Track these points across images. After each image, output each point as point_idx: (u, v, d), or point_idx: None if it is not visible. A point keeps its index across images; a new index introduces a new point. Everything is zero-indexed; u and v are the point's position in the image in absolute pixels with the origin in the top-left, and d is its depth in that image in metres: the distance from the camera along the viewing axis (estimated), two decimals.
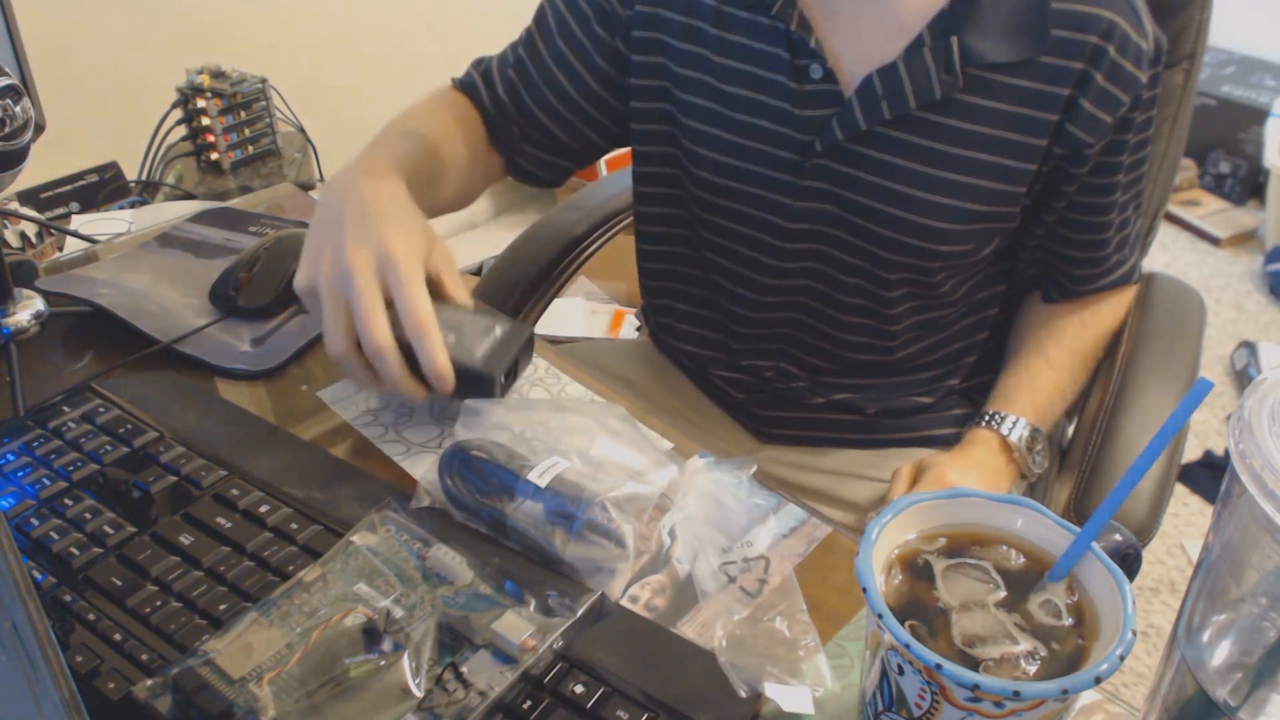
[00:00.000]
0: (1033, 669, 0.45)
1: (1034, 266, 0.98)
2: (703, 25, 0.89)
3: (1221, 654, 0.47)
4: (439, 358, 0.66)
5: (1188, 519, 2.00)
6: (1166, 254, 2.80)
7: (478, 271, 1.43)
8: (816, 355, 0.99)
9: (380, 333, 0.66)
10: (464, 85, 1.00)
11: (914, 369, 1.01)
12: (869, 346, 0.97)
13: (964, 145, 0.84)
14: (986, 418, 0.93)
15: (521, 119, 0.98)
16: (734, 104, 0.89)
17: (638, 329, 1.19)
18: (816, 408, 1.02)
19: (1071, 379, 0.96)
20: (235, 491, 0.66)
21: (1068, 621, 0.47)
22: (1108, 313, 0.99)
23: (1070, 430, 1.09)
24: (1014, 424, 0.91)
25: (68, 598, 0.59)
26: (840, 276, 0.93)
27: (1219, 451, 2.12)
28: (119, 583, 0.59)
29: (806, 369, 1.00)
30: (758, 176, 0.90)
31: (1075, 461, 0.92)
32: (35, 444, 0.70)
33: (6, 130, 0.73)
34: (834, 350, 0.98)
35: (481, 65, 1.00)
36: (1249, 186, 2.98)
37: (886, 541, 0.50)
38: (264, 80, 1.90)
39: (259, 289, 0.88)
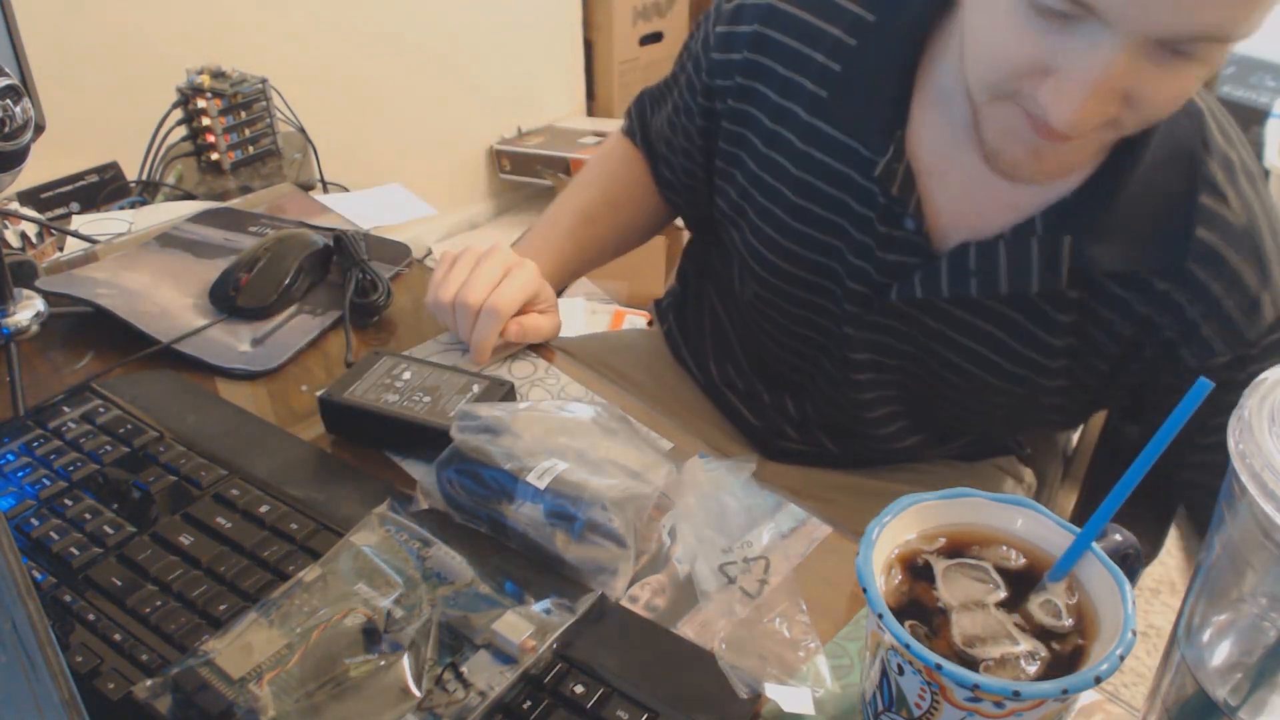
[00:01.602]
0: (1033, 669, 0.45)
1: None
2: (789, 136, 0.82)
3: (1221, 654, 0.47)
4: (484, 339, 0.80)
5: None
6: None
7: None
8: (842, 431, 0.97)
9: (475, 295, 0.80)
10: (626, 132, 1.04)
11: (951, 446, 0.99)
12: (902, 434, 0.95)
13: (1056, 333, 0.76)
14: None
15: (663, 160, 1.00)
16: (806, 219, 0.83)
17: (649, 323, 1.19)
18: (833, 456, 1.00)
19: None
20: (235, 491, 0.66)
21: (1068, 621, 0.47)
22: None
23: (1075, 439, 1.09)
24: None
25: (68, 598, 0.59)
26: (886, 393, 0.89)
27: None
28: (119, 583, 0.59)
29: (828, 425, 0.98)
30: (821, 290, 0.85)
31: (1079, 470, 0.92)
32: (35, 444, 0.70)
33: (6, 130, 0.73)
34: (862, 431, 0.95)
35: (638, 103, 1.04)
36: None
37: (886, 541, 0.50)
38: (264, 80, 1.90)
39: (259, 289, 0.88)
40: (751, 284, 0.92)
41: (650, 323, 1.18)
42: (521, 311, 0.83)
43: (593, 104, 3.02)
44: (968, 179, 0.76)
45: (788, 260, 0.86)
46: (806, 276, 0.86)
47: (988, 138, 0.71)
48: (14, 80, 0.74)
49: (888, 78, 0.77)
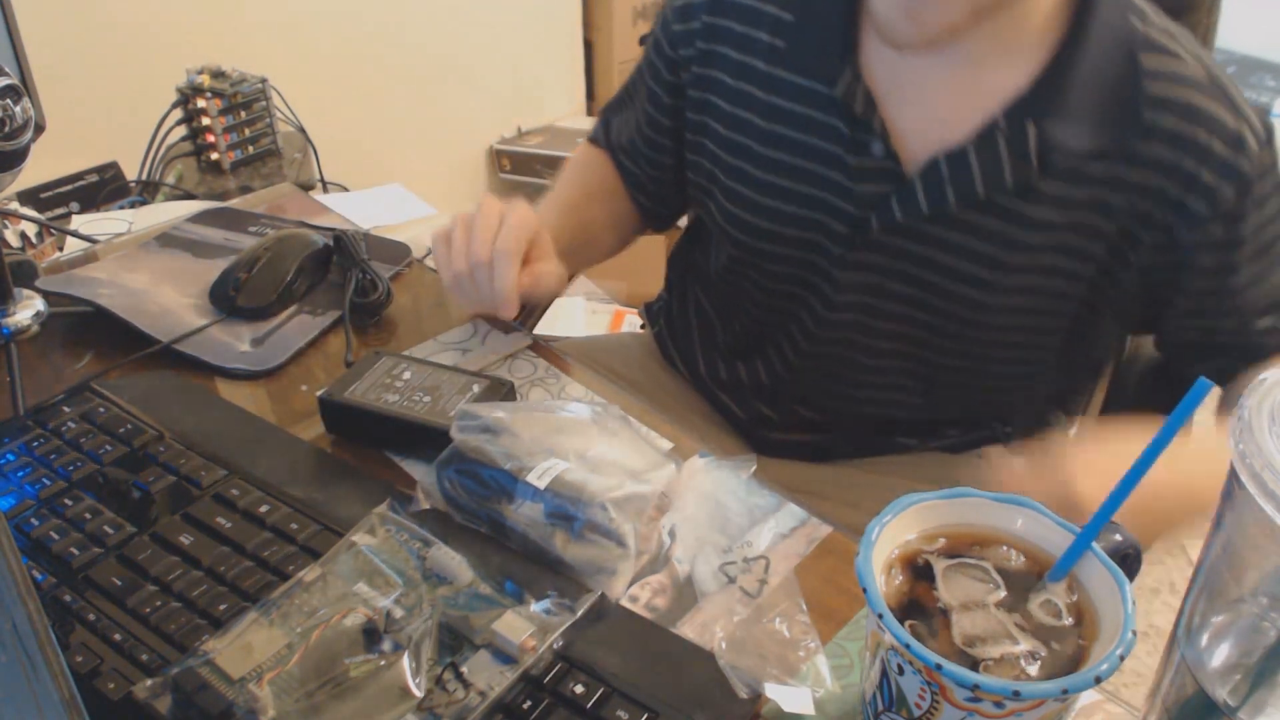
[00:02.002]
0: (1033, 669, 0.45)
1: (1186, 361, 0.87)
2: (752, 90, 0.86)
3: (1221, 654, 0.47)
4: (506, 284, 0.78)
5: None
6: None
7: None
8: (835, 407, 0.97)
9: (483, 248, 0.79)
10: (593, 139, 1.06)
11: (943, 424, 0.98)
12: (898, 404, 0.94)
13: (1036, 231, 0.78)
14: None
15: (634, 162, 1.02)
16: (777, 170, 0.85)
17: (641, 326, 1.19)
18: (824, 448, 1.00)
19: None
20: (235, 491, 0.66)
21: (1068, 621, 0.47)
22: None
23: (1072, 433, 1.08)
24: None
25: (68, 598, 0.59)
26: (880, 344, 0.89)
27: None
28: (119, 583, 0.59)
29: (808, 391, 0.98)
30: (803, 243, 0.86)
31: None
32: (35, 444, 0.70)
33: (6, 130, 0.73)
34: (857, 407, 0.95)
35: (602, 112, 1.05)
36: None
37: (886, 541, 0.50)
38: (264, 80, 1.90)
39: (259, 289, 0.88)
40: (729, 250, 0.92)
41: (643, 326, 1.18)
42: (526, 261, 0.82)
43: (593, 104, 3.01)
44: (923, 93, 0.79)
45: (763, 216, 0.87)
46: (784, 230, 0.87)
47: (874, 9, 0.76)
48: (14, 80, 0.74)
49: (834, 15, 0.82)
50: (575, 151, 1.08)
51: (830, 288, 0.87)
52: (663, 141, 0.97)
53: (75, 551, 0.62)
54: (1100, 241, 0.79)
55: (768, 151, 0.85)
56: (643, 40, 1.00)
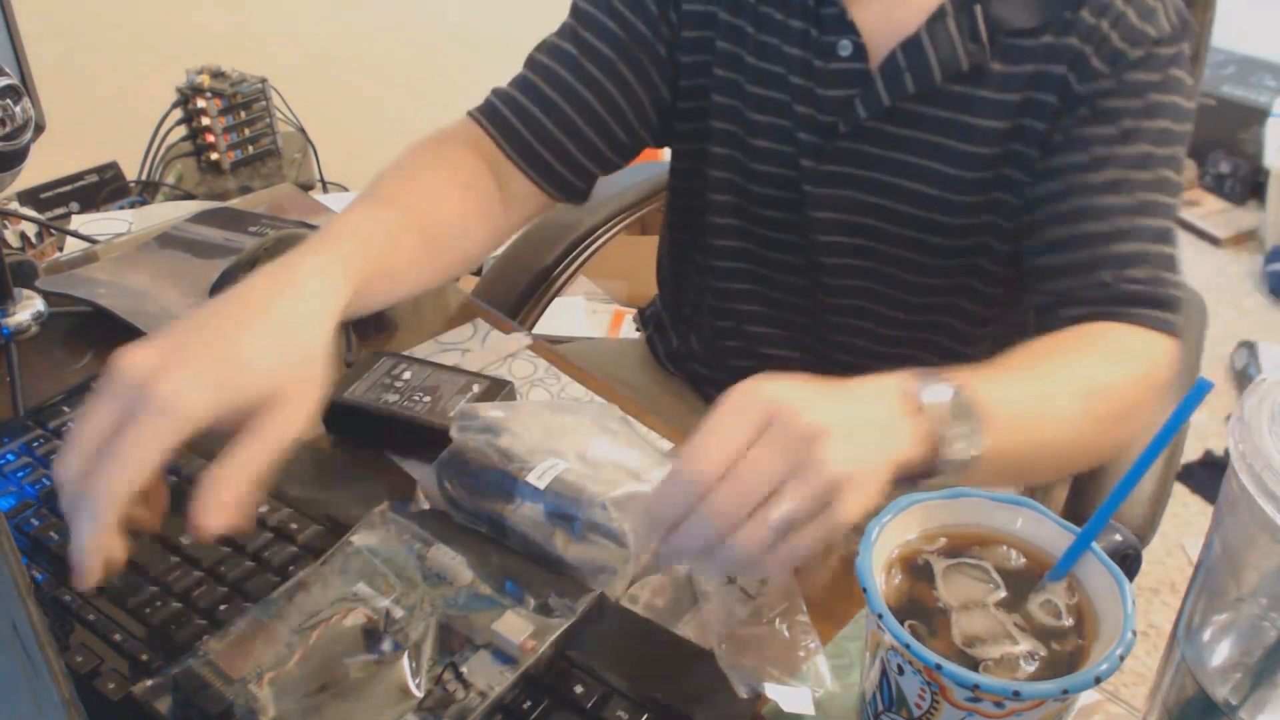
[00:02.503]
0: (1033, 669, 0.45)
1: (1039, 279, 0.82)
2: (743, 24, 0.87)
3: (1221, 654, 0.47)
4: (82, 537, 0.50)
5: (1188, 519, 2.00)
6: None
7: (478, 272, 1.44)
8: (796, 346, 0.97)
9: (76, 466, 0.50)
10: (483, 111, 0.90)
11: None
12: (865, 335, 0.94)
13: (989, 115, 0.81)
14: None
15: (555, 120, 0.89)
16: (762, 79, 0.86)
17: (637, 329, 1.19)
18: None
19: (1072, 412, 0.66)
20: None
21: (1068, 621, 0.47)
22: (1137, 350, 0.74)
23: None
24: (942, 385, 0.58)
25: (68, 598, 0.59)
26: (868, 264, 0.90)
27: (1219, 451, 2.12)
28: (119, 583, 0.59)
29: (788, 340, 0.98)
30: (777, 156, 0.87)
31: None
32: (35, 444, 0.70)
33: (6, 130, 0.73)
34: (825, 338, 0.96)
35: (501, 90, 0.94)
36: (1249, 186, 2.98)
37: (886, 541, 0.50)
38: (264, 80, 1.90)
39: None
40: (716, 197, 0.92)
41: (638, 329, 1.18)
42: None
43: None
44: None
45: (754, 132, 0.88)
46: (766, 144, 0.87)
47: None
48: (14, 80, 0.74)
49: None
50: (410, 150, 0.83)
51: (805, 207, 0.87)
52: (644, 73, 0.89)
53: None
54: (1044, 119, 0.81)
55: (759, 63, 0.87)
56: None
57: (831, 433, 0.49)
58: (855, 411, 0.54)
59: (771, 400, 0.51)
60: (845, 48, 0.82)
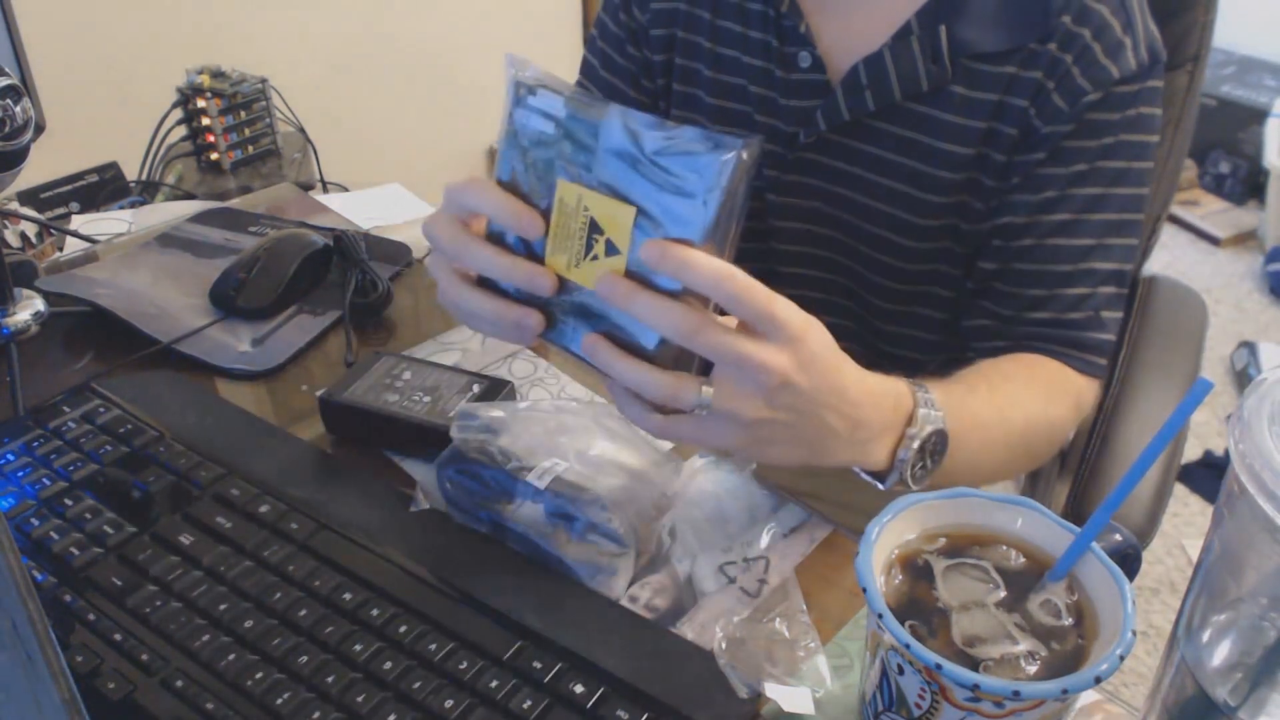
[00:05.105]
0: (1033, 669, 0.45)
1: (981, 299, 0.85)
2: (702, 14, 0.88)
3: (1221, 654, 0.47)
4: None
5: (1188, 519, 2.00)
6: (1166, 254, 2.80)
7: None
8: None
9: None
10: None
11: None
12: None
13: (950, 139, 0.81)
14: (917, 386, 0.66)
15: None
16: (723, 92, 0.88)
17: None
18: None
19: (1010, 441, 0.73)
20: (235, 491, 0.66)
21: (1068, 621, 0.47)
22: (1070, 390, 0.79)
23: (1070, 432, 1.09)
24: (931, 412, 0.64)
25: (68, 598, 0.59)
26: (828, 277, 0.91)
27: (1219, 451, 2.12)
28: (119, 583, 0.59)
29: None
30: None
31: (1074, 462, 0.92)
32: (35, 444, 0.70)
33: (6, 130, 0.73)
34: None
35: None
36: (1249, 186, 2.98)
37: (886, 541, 0.50)
38: (264, 80, 1.90)
39: (259, 289, 0.88)
40: None
41: None
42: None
43: None
44: (846, 3, 0.82)
45: None
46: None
47: None
48: (14, 80, 0.74)
49: None
50: None
51: (775, 218, 0.88)
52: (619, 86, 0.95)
53: (75, 551, 0.62)
54: (1003, 151, 0.80)
55: (716, 74, 0.88)
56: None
57: (815, 412, 0.56)
58: (856, 413, 0.60)
59: (801, 354, 0.56)
60: (805, 59, 0.83)
